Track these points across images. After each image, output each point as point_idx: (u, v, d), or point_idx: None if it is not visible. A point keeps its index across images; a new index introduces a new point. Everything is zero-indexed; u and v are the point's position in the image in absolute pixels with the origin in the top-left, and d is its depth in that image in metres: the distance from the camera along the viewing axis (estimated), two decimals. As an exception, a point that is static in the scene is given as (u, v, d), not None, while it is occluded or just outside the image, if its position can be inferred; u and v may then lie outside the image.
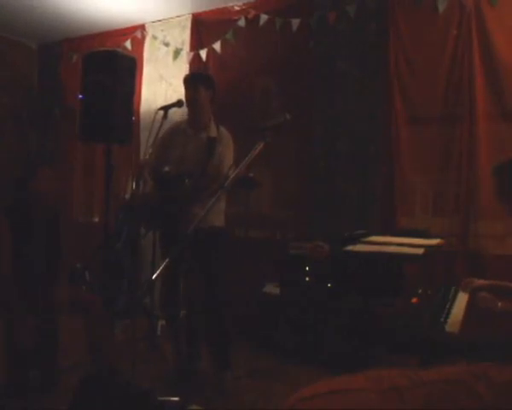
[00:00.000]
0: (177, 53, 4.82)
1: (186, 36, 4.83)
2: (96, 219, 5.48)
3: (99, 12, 4.79)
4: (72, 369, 3.00)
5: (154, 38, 5.03)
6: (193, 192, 2.95)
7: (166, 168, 3.10)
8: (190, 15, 4.80)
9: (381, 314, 2.33)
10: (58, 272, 3.10)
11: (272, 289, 3.83)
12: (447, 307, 2.23)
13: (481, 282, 2.44)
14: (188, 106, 3.18)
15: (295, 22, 4.12)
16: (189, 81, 3.21)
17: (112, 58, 3.20)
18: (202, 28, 4.77)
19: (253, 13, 4.35)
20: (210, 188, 2.85)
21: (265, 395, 2.98)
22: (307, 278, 3.56)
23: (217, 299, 3.15)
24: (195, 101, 3.14)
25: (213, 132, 3.16)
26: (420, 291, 2.41)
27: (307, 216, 4.22)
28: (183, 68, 4.72)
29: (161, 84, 4.99)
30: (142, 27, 5.07)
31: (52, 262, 3.07)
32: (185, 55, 4.79)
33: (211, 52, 4.60)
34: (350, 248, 2.65)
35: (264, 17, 4.26)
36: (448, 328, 1.96)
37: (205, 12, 4.71)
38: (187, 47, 4.81)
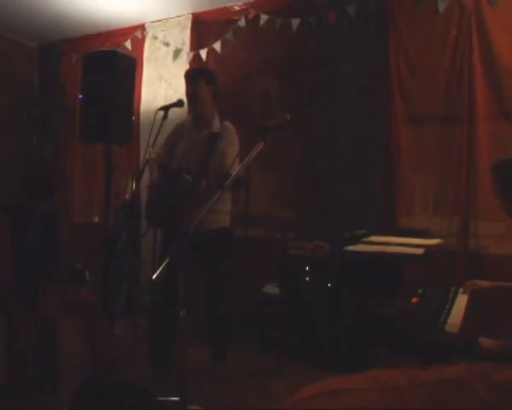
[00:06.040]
0: (177, 53, 4.82)
1: (186, 36, 4.83)
2: (96, 219, 5.47)
3: (99, 12, 4.79)
4: (72, 369, 3.00)
5: (154, 37, 5.03)
6: (192, 189, 2.93)
7: (172, 164, 3.13)
8: (190, 15, 4.80)
9: (381, 314, 2.33)
10: (57, 271, 3.10)
11: (272, 289, 3.83)
12: (447, 307, 2.23)
13: (482, 283, 2.44)
14: (189, 101, 3.18)
15: (295, 22, 4.12)
16: (189, 76, 3.22)
17: (112, 58, 3.21)
18: (202, 28, 4.77)
19: (253, 13, 4.35)
20: (212, 185, 2.83)
21: (265, 394, 2.98)
22: (307, 278, 3.55)
23: (223, 298, 3.16)
24: (196, 96, 3.15)
25: (216, 128, 3.15)
26: (420, 291, 2.41)
27: (307, 216, 4.22)
28: (183, 68, 4.70)
29: (161, 84, 4.99)
30: (142, 27, 5.07)
31: (51, 262, 3.07)
32: (185, 55, 4.79)
33: (211, 52, 4.59)
34: (350, 248, 2.65)
35: (264, 17, 4.26)
36: (448, 328, 1.97)
37: (205, 12, 4.71)
38: (187, 47, 4.81)
